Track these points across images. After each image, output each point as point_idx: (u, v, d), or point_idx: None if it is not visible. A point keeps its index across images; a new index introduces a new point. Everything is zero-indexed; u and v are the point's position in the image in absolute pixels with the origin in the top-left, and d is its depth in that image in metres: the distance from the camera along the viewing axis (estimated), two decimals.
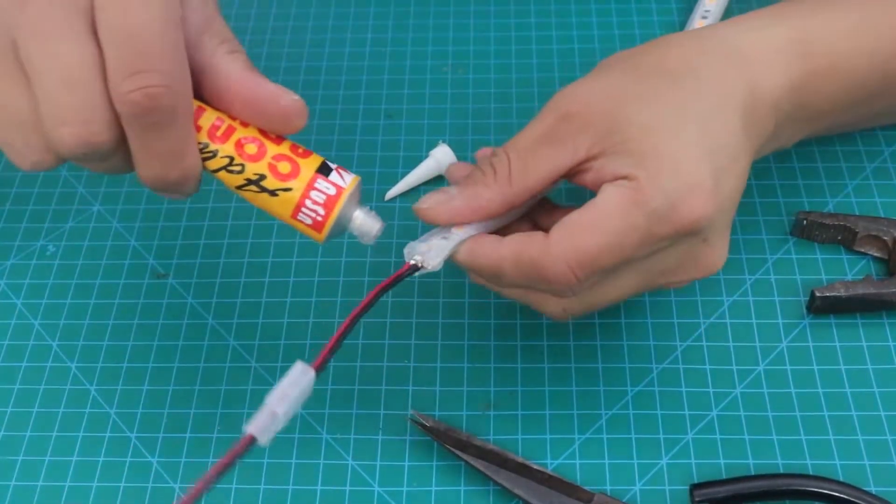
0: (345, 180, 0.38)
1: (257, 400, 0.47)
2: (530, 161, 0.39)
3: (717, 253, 0.40)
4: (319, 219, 0.37)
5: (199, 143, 0.36)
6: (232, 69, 0.36)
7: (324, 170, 0.38)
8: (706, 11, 0.60)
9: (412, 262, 0.39)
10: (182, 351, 0.49)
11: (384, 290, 0.38)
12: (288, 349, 0.49)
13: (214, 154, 0.37)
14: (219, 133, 0.36)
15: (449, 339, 0.49)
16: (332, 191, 0.37)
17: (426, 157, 0.55)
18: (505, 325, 0.49)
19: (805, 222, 0.51)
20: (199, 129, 0.36)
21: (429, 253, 0.39)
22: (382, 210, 0.54)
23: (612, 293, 0.40)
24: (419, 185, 0.55)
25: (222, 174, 0.37)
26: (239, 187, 0.37)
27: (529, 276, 0.38)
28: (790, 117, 0.44)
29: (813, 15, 0.44)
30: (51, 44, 0.33)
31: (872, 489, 0.43)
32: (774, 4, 0.46)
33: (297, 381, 0.34)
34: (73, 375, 0.48)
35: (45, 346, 0.50)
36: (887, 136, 0.56)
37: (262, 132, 0.37)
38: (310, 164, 0.37)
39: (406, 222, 0.53)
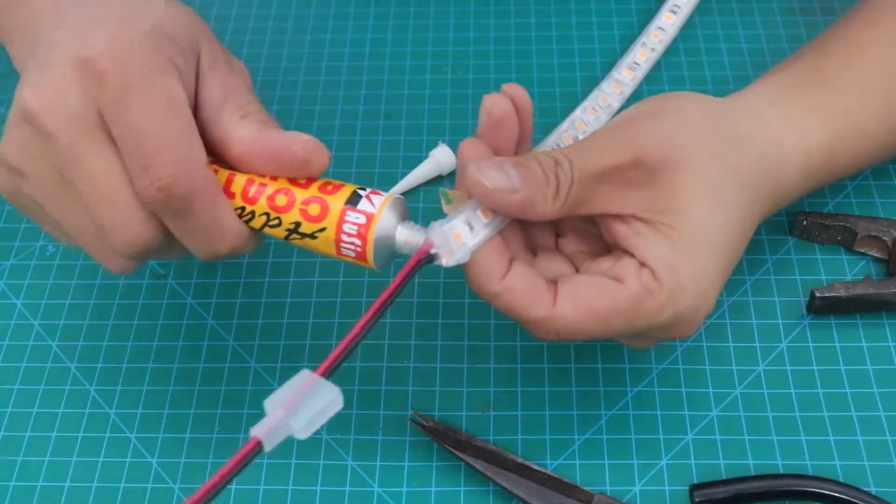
0: (374, 205, 0.37)
1: (257, 400, 0.47)
2: (588, 194, 0.38)
3: (653, 344, 0.42)
4: (359, 250, 0.37)
5: (237, 207, 0.38)
6: (245, 133, 0.38)
7: (353, 200, 0.37)
8: (675, 7, 0.60)
9: (432, 251, 0.37)
10: (182, 351, 0.49)
11: (408, 276, 0.36)
12: (288, 349, 0.49)
13: (253, 215, 0.38)
14: (251, 194, 0.38)
15: (449, 339, 0.49)
16: (363, 219, 0.37)
17: (426, 157, 0.55)
18: (505, 325, 0.49)
19: (805, 222, 0.51)
20: (232, 195, 0.38)
21: (456, 250, 0.37)
22: None
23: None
24: (419, 186, 0.55)
25: (267, 230, 0.38)
26: (286, 238, 0.38)
27: (516, 317, 0.38)
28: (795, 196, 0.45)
29: (840, 103, 0.45)
30: (81, 165, 0.36)
31: (872, 490, 0.43)
32: (803, 82, 0.46)
33: (314, 394, 0.33)
34: (72, 376, 0.48)
35: (45, 347, 0.50)
36: None
37: (292, 181, 0.38)
38: (338, 198, 0.37)
39: None
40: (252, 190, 0.38)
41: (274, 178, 0.38)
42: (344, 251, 0.38)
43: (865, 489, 0.42)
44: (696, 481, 0.43)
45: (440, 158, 0.54)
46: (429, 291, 0.50)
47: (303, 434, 0.32)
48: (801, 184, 0.44)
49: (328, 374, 0.33)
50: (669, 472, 0.44)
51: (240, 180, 0.38)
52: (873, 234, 0.50)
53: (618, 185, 0.38)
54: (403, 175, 0.55)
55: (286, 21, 0.65)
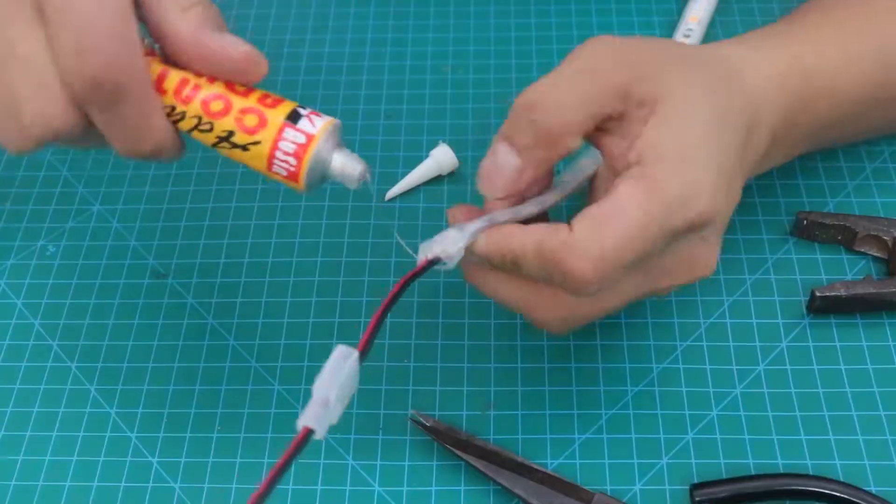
0: (315, 126, 0.36)
1: (257, 400, 0.47)
2: (581, 109, 0.39)
3: (713, 254, 0.40)
4: (293, 169, 0.36)
5: (167, 106, 0.36)
6: (182, 28, 0.35)
7: (293, 117, 0.36)
8: (688, 30, 0.60)
9: (431, 255, 0.38)
10: (182, 351, 0.49)
11: (408, 283, 0.37)
12: (288, 349, 0.49)
13: (183, 116, 0.36)
14: (184, 94, 0.36)
15: (449, 339, 0.49)
16: (302, 139, 0.35)
17: (426, 157, 0.55)
18: (505, 324, 0.49)
19: (805, 222, 0.51)
20: (164, 91, 0.36)
21: (446, 245, 0.38)
22: (382, 210, 0.54)
23: (614, 300, 0.40)
24: (419, 185, 0.55)
25: (195, 134, 0.36)
26: (213, 145, 0.37)
27: (548, 268, 0.37)
28: (782, 139, 0.45)
29: (809, 38, 0.45)
30: (4, 31, 0.34)
31: (872, 489, 0.43)
32: (776, 26, 0.47)
33: (340, 364, 0.34)
34: (73, 375, 0.48)
35: (45, 346, 0.50)
36: (887, 137, 0.56)
37: (230, 86, 0.36)
38: (278, 113, 0.36)
39: (407, 222, 0.53)
40: (186, 90, 0.36)
41: (211, 80, 0.36)
42: (275, 167, 0.36)
43: (866, 489, 0.42)
44: (696, 481, 0.43)
45: (440, 158, 0.54)
46: (429, 291, 0.50)
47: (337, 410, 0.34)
48: (778, 96, 0.43)
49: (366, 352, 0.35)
50: (669, 471, 0.44)
51: (174, 77, 0.36)
52: (873, 233, 0.50)
53: (607, 96, 0.39)
54: (403, 175, 0.55)
55: (286, 21, 0.65)
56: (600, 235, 0.36)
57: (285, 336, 0.49)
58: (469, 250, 0.39)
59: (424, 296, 0.50)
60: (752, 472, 0.44)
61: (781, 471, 0.44)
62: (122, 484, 0.45)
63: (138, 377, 0.48)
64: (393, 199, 0.54)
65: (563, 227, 0.37)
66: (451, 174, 0.55)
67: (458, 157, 0.55)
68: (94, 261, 0.53)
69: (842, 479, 0.43)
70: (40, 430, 0.47)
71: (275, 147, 0.36)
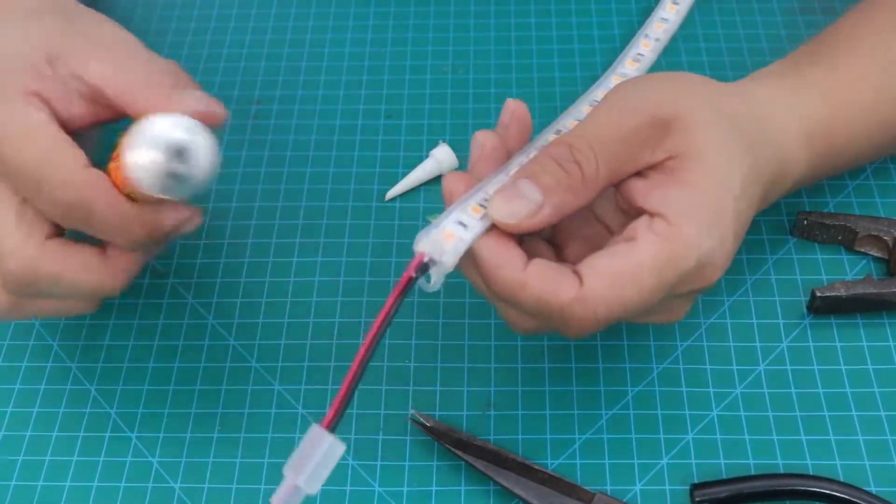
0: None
1: (258, 400, 0.47)
2: (616, 163, 0.38)
3: (688, 308, 0.41)
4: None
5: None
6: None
7: None
8: (663, 19, 0.59)
9: (425, 260, 0.35)
10: (182, 351, 0.49)
11: (400, 296, 0.35)
12: (288, 349, 0.49)
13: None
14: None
15: (449, 339, 0.49)
16: None
17: (426, 157, 0.55)
18: (505, 324, 0.49)
19: (805, 222, 0.51)
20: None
21: (446, 249, 0.35)
22: (382, 210, 0.54)
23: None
24: (419, 185, 0.55)
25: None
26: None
27: (550, 318, 0.36)
28: (797, 186, 0.46)
29: (836, 86, 0.45)
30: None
31: (872, 489, 0.43)
32: (803, 65, 0.46)
33: (311, 449, 0.33)
34: (73, 375, 0.48)
35: (46, 346, 0.49)
36: None
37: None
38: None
39: (406, 222, 0.53)
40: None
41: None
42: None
43: (866, 489, 0.42)
44: (696, 481, 0.43)
45: (441, 158, 0.54)
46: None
47: (312, 488, 0.34)
48: (804, 156, 0.44)
49: (333, 426, 0.34)
50: (670, 471, 0.44)
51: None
52: (874, 233, 0.50)
53: (638, 145, 0.38)
54: (404, 175, 0.55)
55: (286, 21, 0.65)
56: (613, 297, 0.36)
57: (285, 336, 0.49)
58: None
59: (424, 296, 0.50)
60: (753, 472, 0.44)
61: (781, 471, 0.44)
62: (122, 484, 0.45)
63: (138, 377, 0.48)
64: (393, 199, 0.54)
65: (569, 276, 0.36)
66: None
67: (458, 157, 0.55)
68: None
69: (842, 480, 0.43)
70: (40, 430, 0.47)
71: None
